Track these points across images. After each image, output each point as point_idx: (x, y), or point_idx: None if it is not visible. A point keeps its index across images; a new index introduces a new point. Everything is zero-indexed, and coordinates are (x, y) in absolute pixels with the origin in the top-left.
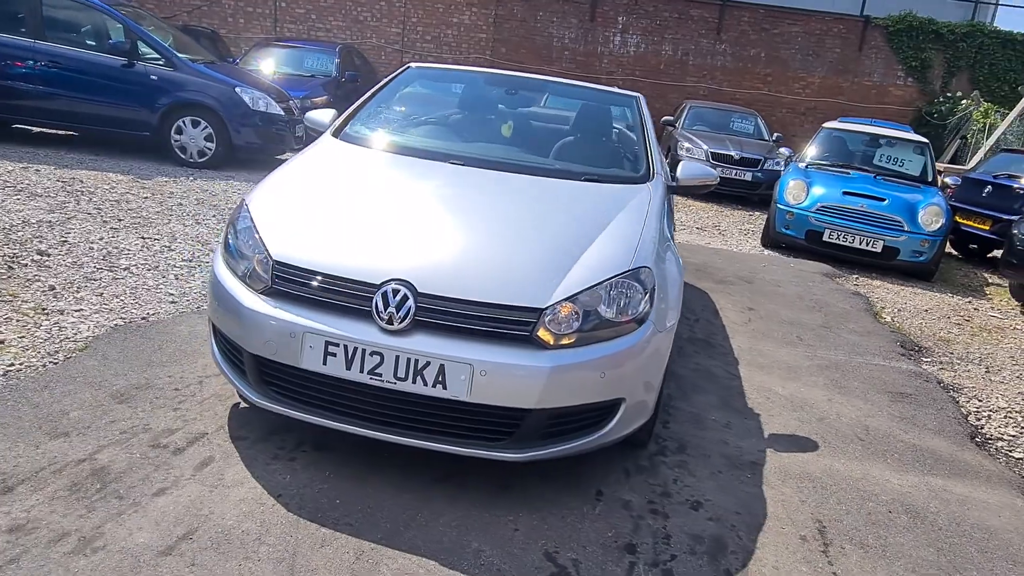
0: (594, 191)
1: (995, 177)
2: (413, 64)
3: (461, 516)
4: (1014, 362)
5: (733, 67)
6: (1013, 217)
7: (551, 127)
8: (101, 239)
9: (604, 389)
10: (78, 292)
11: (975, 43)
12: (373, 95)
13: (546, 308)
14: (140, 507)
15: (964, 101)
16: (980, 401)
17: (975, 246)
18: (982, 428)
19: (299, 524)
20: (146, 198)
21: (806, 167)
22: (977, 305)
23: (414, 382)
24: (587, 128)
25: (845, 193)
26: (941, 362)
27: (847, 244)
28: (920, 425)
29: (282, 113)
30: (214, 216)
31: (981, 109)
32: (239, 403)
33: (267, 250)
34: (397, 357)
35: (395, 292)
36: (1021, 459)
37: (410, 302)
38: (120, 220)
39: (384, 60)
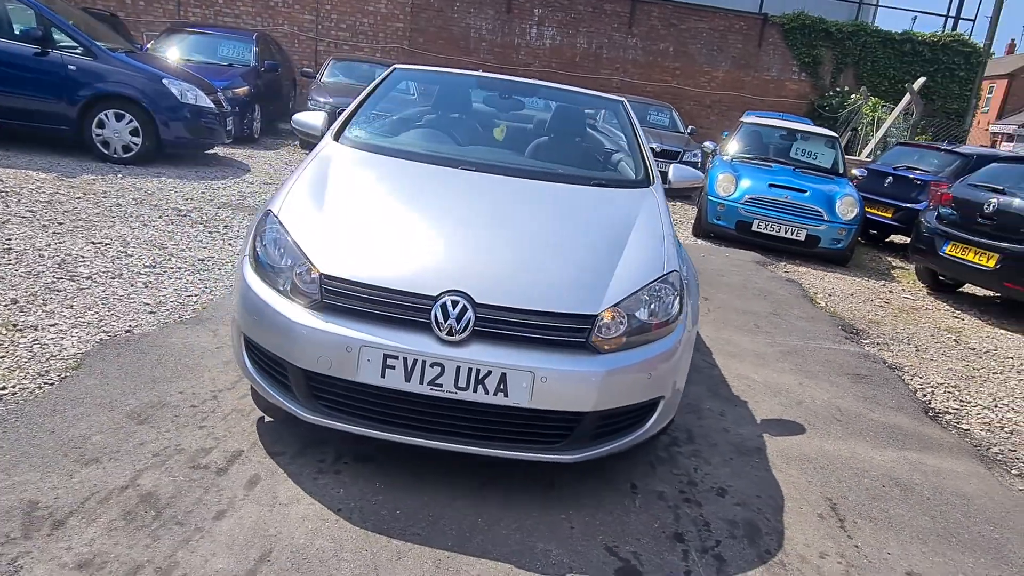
0: (607, 196)
1: (895, 169)
2: (398, 66)
3: (518, 518)
4: (935, 340)
5: (644, 60)
6: (912, 205)
7: (550, 132)
8: (48, 245)
9: (649, 389)
10: (45, 305)
11: (859, 41)
12: (365, 98)
13: (598, 314)
14: (205, 532)
15: (853, 96)
16: (921, 378)
17: (875, 231)
18: (930, 404)
19: (369, 537)
20: (79, 198)
21: (732, 160)
22: (891, 287)
23: (475, 391)
24: (582, 133)
25: (771, 185)
26: (878, 343)
27: (774, 233)
28: (882, 404)
29: (212, 106)
30: (160, 217)
31: (870, 103)
32: (263, 417)
33: (313, 264)
34: (458, 367)
35: (454, 303)
36: (969, 430)
37: (469, 313)
38: (60, 224)
39: (298, 48)
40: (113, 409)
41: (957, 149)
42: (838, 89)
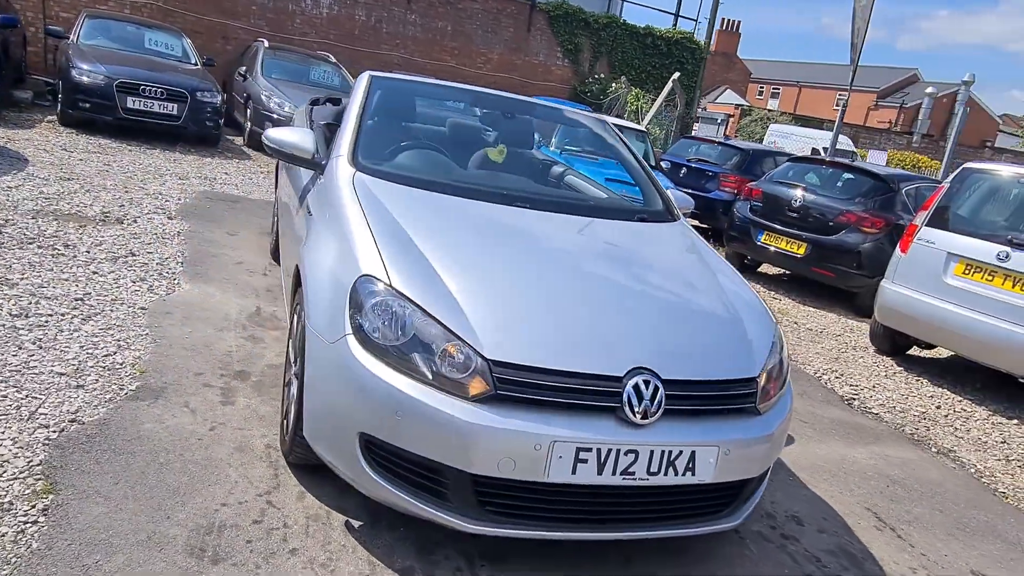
0: (663, 235)
1: (688, 161)
2: (373, 73)
3: None
4: (781, 323)
5: (423, 38)
6: (705, 194)
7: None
8: None
9: (784, 441)
10: None
11: (612, 33)
12: (360, 116)
13: (758, 376)
14: None
15: (615, 84)
16: (811, 366)
17: None
18: (837, 391)
19: None
20: None
21: (561, 153)
22: None
23: (666, 474)
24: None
25: (608, 180)
26: None
27: None
28: (816, 399)
29: None
30: None
31: (632, 93)
32: (347, 520)
33: (473, 347)
34: (652, 452)
35: (646, 383)
36: (879, 414)
37: (661, 391)
38: None
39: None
40: (162, 547)
41: (736, 144)
42: (596, 76)
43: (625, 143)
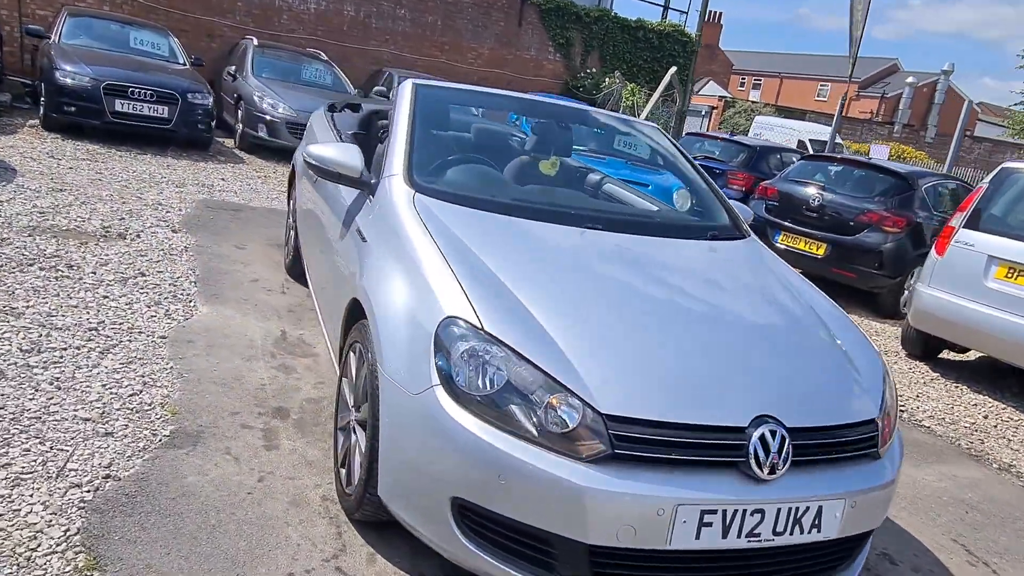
0: (741, 254)
1: (694, 158)
2: (418, 82)
3: None
4: None
5: (413, 33)
6: None
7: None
8: None
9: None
10: None
11: (604, 26)
12: (411, 130)
13: (878, 417)
14: None
15: (608, 79)
16: None
17: None
18: None
19: None
20: None
21: None
22: None
23: (791, 533)
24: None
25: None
26: None
27: None
28: None
29: None
30: None
31: (628, 88)
32: None
33: (585, 399)
34: (779, 510)
35: (772, 433)
36: (931, 427)
37: (788, 442)
38: None
39: None
40: None
41: (743, 140)
42: (588, 71)
43: (681, 150)
